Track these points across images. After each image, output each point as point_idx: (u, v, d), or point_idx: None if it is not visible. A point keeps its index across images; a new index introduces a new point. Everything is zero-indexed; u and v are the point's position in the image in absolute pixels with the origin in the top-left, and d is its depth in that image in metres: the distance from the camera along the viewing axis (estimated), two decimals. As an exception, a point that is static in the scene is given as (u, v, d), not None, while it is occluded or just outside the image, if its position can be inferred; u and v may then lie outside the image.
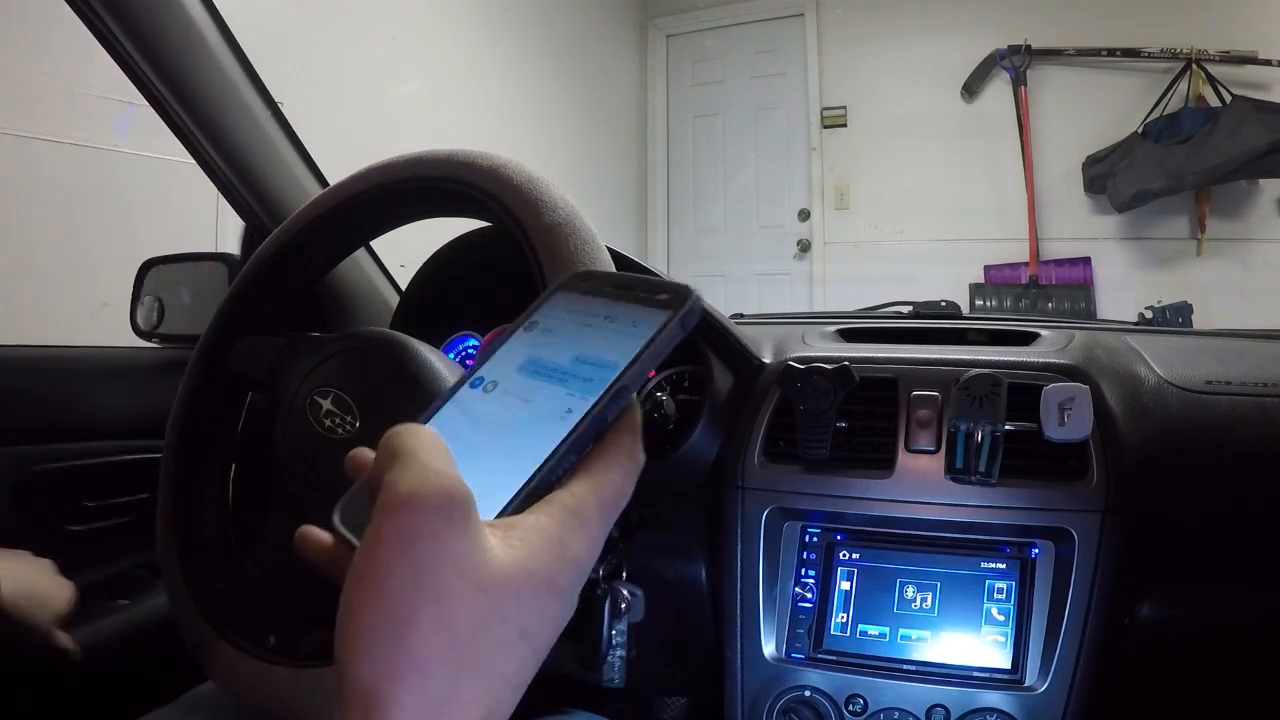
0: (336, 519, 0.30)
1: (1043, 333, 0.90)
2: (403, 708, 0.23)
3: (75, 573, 0.68)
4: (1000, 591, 0.72)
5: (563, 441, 0.30)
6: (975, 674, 0.70)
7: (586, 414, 0.30)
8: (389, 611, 0.23)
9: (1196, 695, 0.79)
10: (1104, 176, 3.55)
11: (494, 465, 0.30)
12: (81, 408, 0.94)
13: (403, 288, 0.99)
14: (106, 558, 0.93)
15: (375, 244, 0.94)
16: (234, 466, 0.64)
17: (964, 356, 0.81)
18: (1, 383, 0.88)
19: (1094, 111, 3.61)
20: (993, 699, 0.69)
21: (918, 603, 0.73)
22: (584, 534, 0.28)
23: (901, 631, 0.72)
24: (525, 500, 0.29)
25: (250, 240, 0.99)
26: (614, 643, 0.68)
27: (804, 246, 4.22)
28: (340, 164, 0.71)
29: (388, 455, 0.26)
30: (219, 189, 0.94)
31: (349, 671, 0.23)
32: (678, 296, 0.34)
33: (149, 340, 1.04)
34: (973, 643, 0.71)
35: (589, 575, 0.28)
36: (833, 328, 0.96)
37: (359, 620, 0.24)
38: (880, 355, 0.83)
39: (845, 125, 4.12)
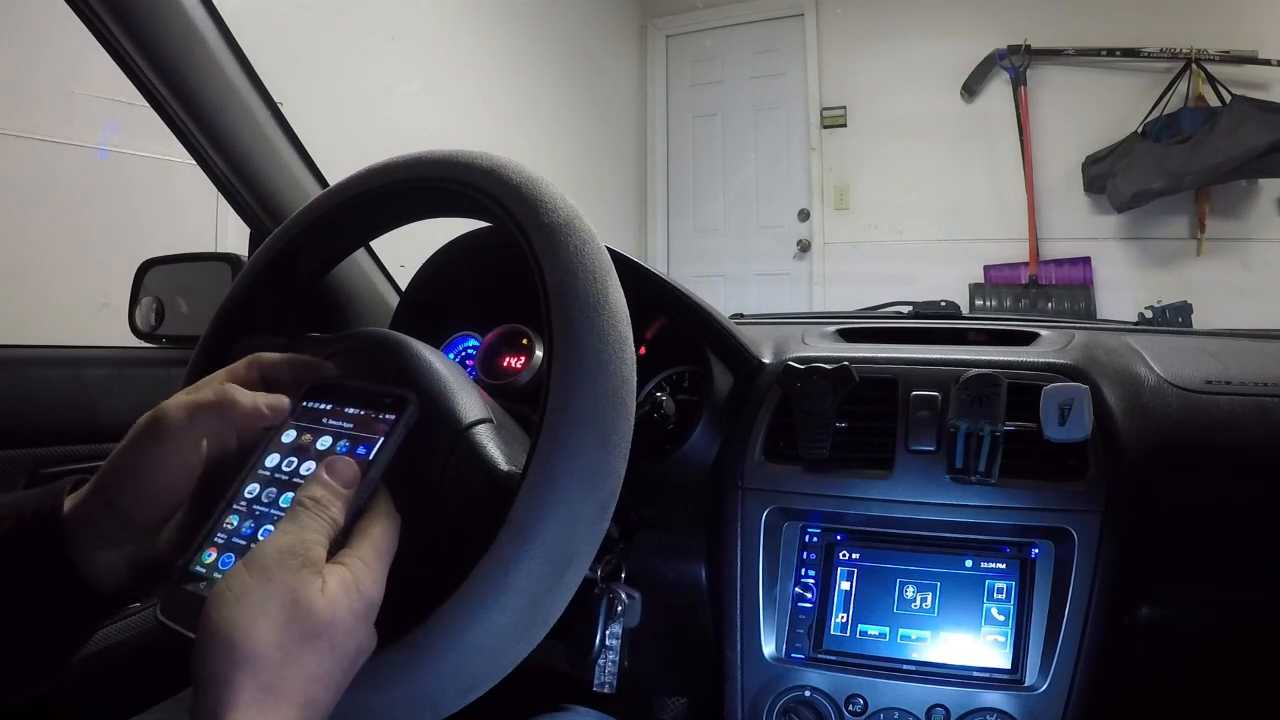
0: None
1: (1043, 333, 0.90)
2: (241, 687, 0.33)
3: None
4: (1000, 591, 0.72)
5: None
6: (975, 674, 0.70)
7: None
8: (238, 617, 0.34)
9: (1196, 695, 0.79)
10: (1104, 176, 3.55)
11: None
12: (86, 408, 0.94)
13: (403, 288, 0.99)
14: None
15: (375, 244, 0.94)
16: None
17: (964, 356, 0.81)
18: (5, 383, 0.87)
19: (1094, 111, 3.61)
20: (993, 699, 0.69)
21: (918, 603, 0.73)
22: (368, 574, 0.39)
23: (901, 631, 0.72)
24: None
25: (257, 243, 0.99)
26: (607, 644, 0.68)
27: (804, 246, 4.22)
28: (340, 164, 0.71)
29: (291, 513, 0.40)
30: (219, 189, 0.94)
31: (198, 679, 0.33)
32: (400, 400, 0.45)
33: (148, 341, 1.04)
34: (972, 643, 0.71)
35: (374, 602, 0.39)
36: (832, 328, 0.96)
37: (215, 625, 0.34)
38: (880, 355, 0.83)
39: (845, 125, 4.12)
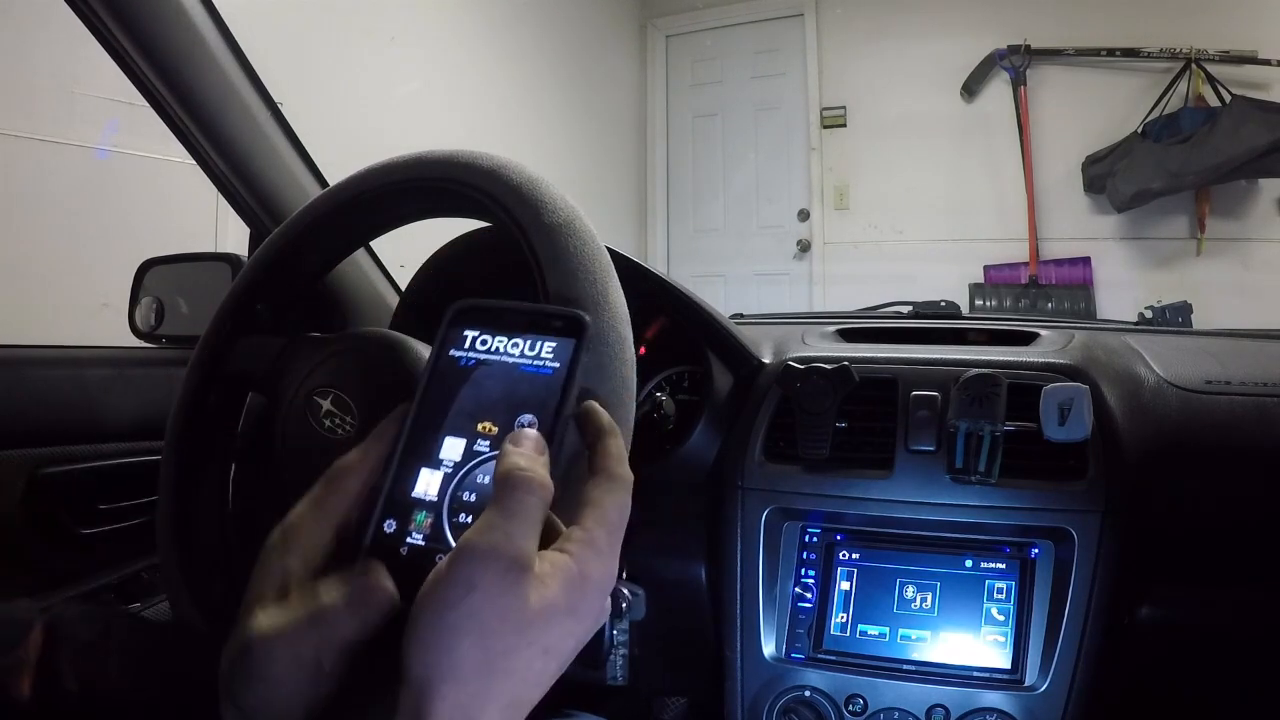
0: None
1: (1042, 333, 0.90)
2: (443, 696, 0.30)
3: (85, 576, 0.67)
4: (1000, 591, 0.72)
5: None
6: (975, 674, 0.70)
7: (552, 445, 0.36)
8: (440, 634, 0.31)
9: (1196, 695, 0.79)
10: (1103, 176, 3.55)
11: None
12: (86, 408, 0.93)
13: (403, 288, 0.99)
14: (118, 561, 0.93)
15: (375, 244, 0.94)
16: (234, 467, 0.64)
17: (964, 356, 0.81)
18: (5, 383, 0.87)
19: (1094, 111, 3.61)
20: (993, 699, 0.69)
21: (917, 603, 0.73)
22: (599, 561, 0.34)
23: (901, 631, 0.72)
24: None
25: (257, 243, 0.99)
26: (616, 641, 0.68)
27: (804, 246, 4.22)
28: (340, 164, 0.71)
29: (497, 498, 0.33)
30: (219, 189, 0.94)
31: (409, 668, 0.31)
32: (574, 321, 0.38)
33: (148, 341, 1.04)
34: (972, 643, 0.71)
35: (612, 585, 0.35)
36: (832, 328, 0.96)
37: (420, 635, 0.31)
38: (880, 355, 0.83)
39: (845, 125, 4.12)
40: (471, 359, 0.38)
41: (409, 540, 0.35)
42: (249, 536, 0.65)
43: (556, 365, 0.37)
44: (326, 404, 0.55)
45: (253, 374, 0.60)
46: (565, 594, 0.32)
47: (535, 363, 0.37)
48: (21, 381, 0.89)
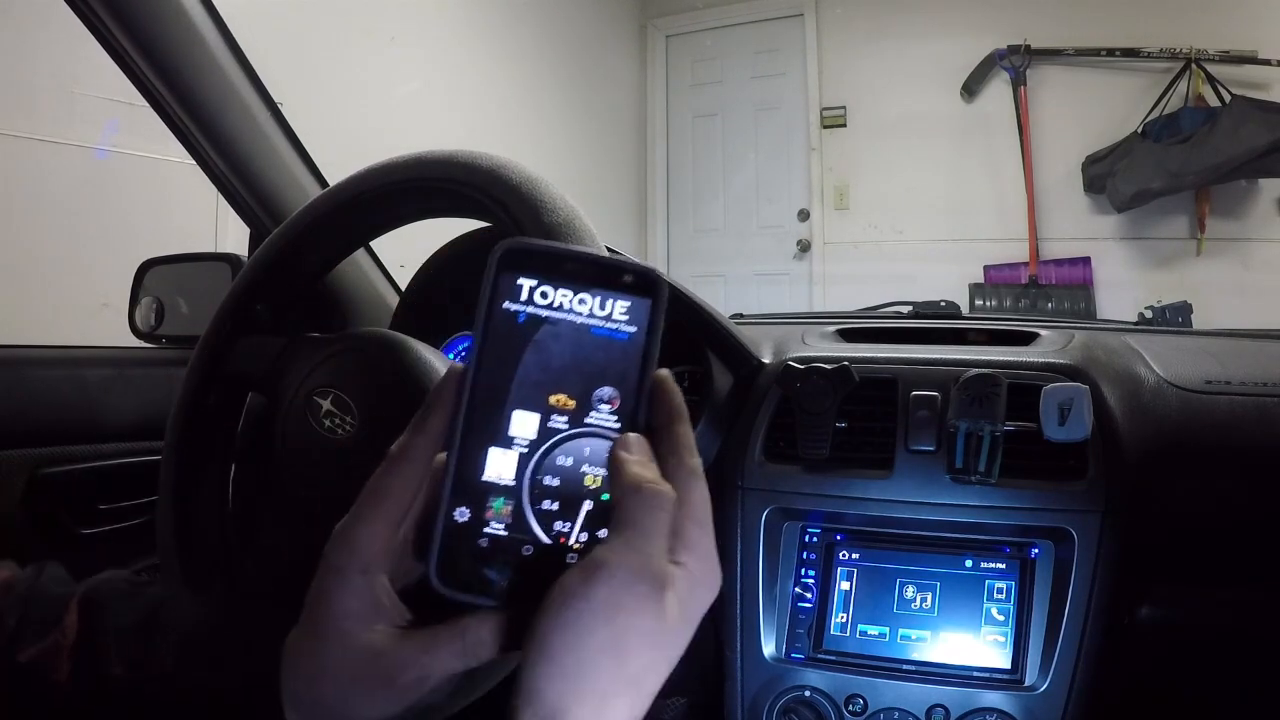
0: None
1: (1042, 333, 0.90)
2: (576, 717, 0.29)
3: (85, 577, 0.67)
4: (1000, 591, 0.72)
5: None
6: (975, 674, 0.70)
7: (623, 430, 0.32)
8: (581, 660, 0.29)
9: (1196, 695, 0.79)
10: (1103, 176, 3.55)
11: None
12: (86, 408, 0.94)
13: (403, 288, 0.99)
14: (118, 561, 0.93)
15: (375, 244, 0.94)
16: (234, 467, 0.64)
17: (964, 356, 0.81)
18: (5, 383, 0.87)
19: (1094, 111, 3.61)
20: (993, 699, 0.69)
21: (917, 603, 0.73)
22: (707, 566, 0.32)
23: (901, 631, 0.72)
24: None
25: (257, 243, 0.99)
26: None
27: (804, 246, 4.22)
28: (340, 164, 0.71)
29: (627, 515, 0.30)
30: (219, 189, 0.94)
31: (541, 694, 0.29)
32: (647, 279, 0.33)
33: (148, 341, 1.04)
34: (972, 643, 0.71)
35: None
36: (832, 328, 0.96)
37: (555, 658, 0.29)
38: (880, 355, 0.83)
39: (845, 125, 4.12)
40: (532, 315, 0.32)
41: (488, 530, 0.31)
42: (249, 536, 0.65)
43: (633, 330, 0.32)
44: (326, 404, 0.55)
45: (253, 374, 0.60)
46: (684, 606, 0.31)
47: (608, 325, 0.32)
48: (21, 381, 0.89)
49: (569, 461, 0.32)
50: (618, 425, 0.32)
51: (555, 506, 0.32)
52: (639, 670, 0.30)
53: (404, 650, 0.31)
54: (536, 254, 0.33)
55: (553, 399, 0.32)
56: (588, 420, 0.32)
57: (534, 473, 0.32)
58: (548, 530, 0.32)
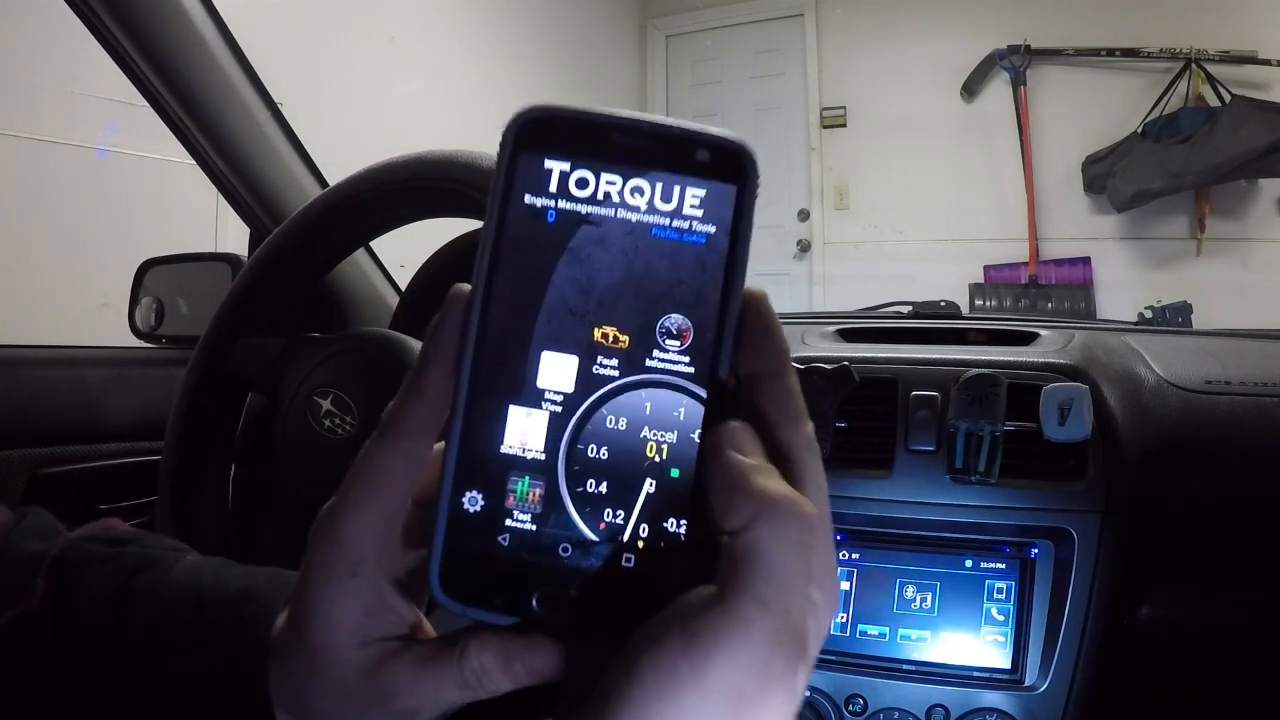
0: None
1: (1042, 333, 0.90)
2: None
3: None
4: (1000, 591, 0.72)
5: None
6: (975, 674, 0.70)
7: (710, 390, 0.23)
8: None
9: (1197, 695, 0.79)
10: (1104, 176, 3.55)
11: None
12: (87, 408, 0.94)
13: (403, 288, 0.99)
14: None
15: (375, 244, 0.94)
16: (234, 467, 0.64)
17: (964, 356, 0.81)
18: (5, 383, 0.87)
19: (1094, 111, 3.61)
20: (992, 699, 0.69)
21: (917, 603, 0.73)
22: (836, 582, 0.23)
23: (901, 631, 0.72)
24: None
25: (257, 243, 0.99)
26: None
27: (804, 246, 4.22)
28: (340, 164, 0.71)
29: (755, 552, 0.21)
30: (219, 189, 0.94)
31: None
32: (730, 155, 0.23)
33: (148, 341, 1.04)
34: (972, 643, 0.71)
35: None
36: (832, 328, 0.95)
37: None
38: (880, 355, 0.83)
39: (845, 125, 4.12)
40: (566, 212, 0.23)
41: (510, 523, 0.23)
42: (249, 536, 0.65)
43: (710, 230, 0.23)
44: (326, 404, 0.55)
45: (253, 374, 0.61)
46: (814, 624, 0.21)
47: (676, 224, 0.23)
48: (21, 381, 0.89)
49: (622, 424, 0.23)
50: (692, 370, 0.23)
51: (604, 489, 0.23)
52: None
53: (400, 672, 0.24)
54: (571, 123, 0.23)
55: (598, 334, 0.23)
56: (650, 363, 0.23)
57: (572, 441, 0.23)
58: (593, 522, 0.23)
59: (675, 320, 0.23)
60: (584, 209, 0.23)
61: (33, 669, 0.31)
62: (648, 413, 0.23)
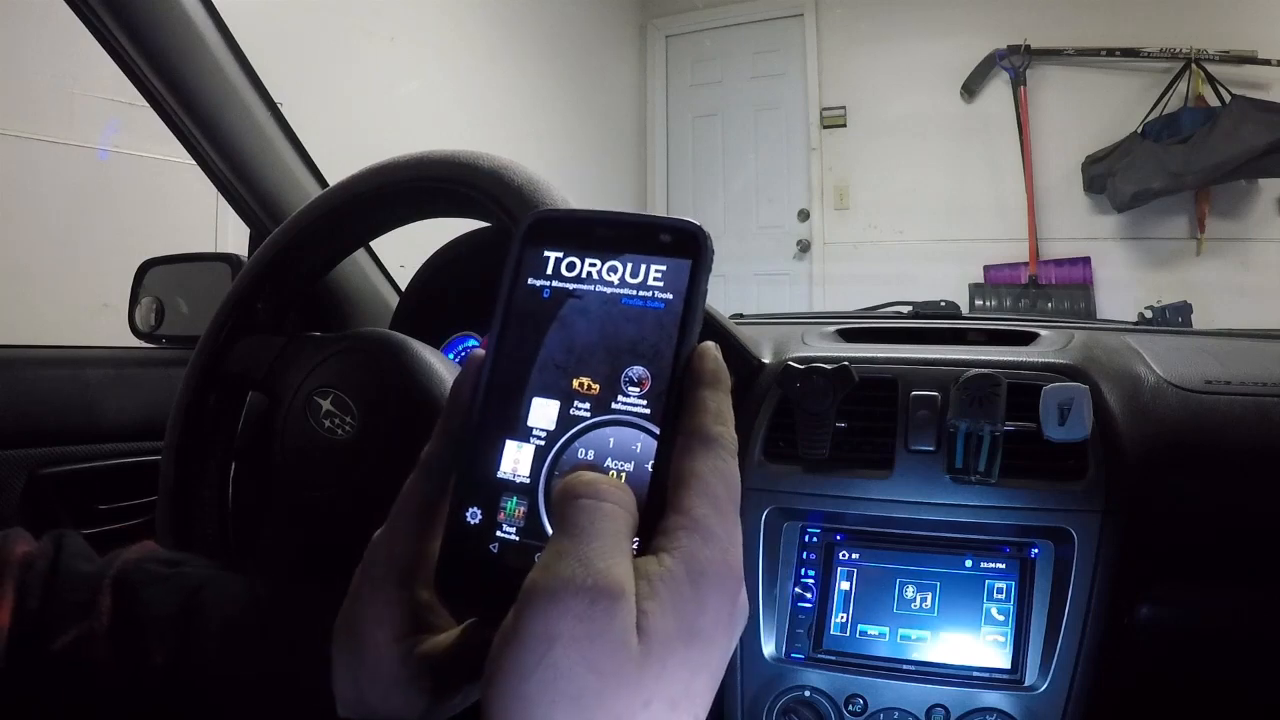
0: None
1: (1042, 333, 0.90)
2: None
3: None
4: (1000, 591, 0.72)
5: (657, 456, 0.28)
6: (975, 674, 0.70)
7: (663, 418, 0.28)
8: (519, 712, 0.23)
9: (1197, 695, 0.79)
10: (1103, 176, 3.55)
11: None
12: (86, 408, 0.94)
13: (403, 288, 0.99)
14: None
15: (375, 244, 0.94)
16: (234, 466, 0.64)
17: (964, 356, 0.81)
18: (5, 383, 0.87)
19: (1094, 111, 3.61)
20: (993, 699, 0.69)
21: (917, 603, 0.73)
22: (714, 551, 0.25)
23: (901, 631, 0.72)
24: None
25: (257, 243, 0.99)
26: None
27: (804, 247, 4.22)
28: (340, 164, 0.71)
29: (560, 521, 0.25)
30: (219, 189, 0.94)
31: None
32: (686, 236, 0.28)
33: (148, 341, 1.04)
34: (972, 643, 0.71)
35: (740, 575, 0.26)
36: (832, 328, 0.95)
37: (494, 713, 0.23)
38: (880, 355, 0.83)
39: (845, 125, 4.12)
40: (557, 289, 0.29)
41: (499, 534, 0.28)
42: (249, 536, 0.65)
43: (669, 297, 0.28)
44: (326, 404, 0.55)
45: (253, 374, 0.60)
46: (677, 614, 0.24)
47: (641, 293, 0.28)
48: (21, 381, 0.89)
49: (590, 455, 0.28)
50: (648, 410, 0.28)
51: None
52: (611, 715, 0.23)
53: (436, 662, 0.30)
54: (566, 223, 0.30)
55: (575, 383, 0.28)
56: (614, 406, 0.28)
57: (551, 468, 0.28)
58: None
59: (636, 370, 0.28)
60: (571, 286, 0.29)
61: (105, 681, 0.33)
62: (611, 446, 0.28)
